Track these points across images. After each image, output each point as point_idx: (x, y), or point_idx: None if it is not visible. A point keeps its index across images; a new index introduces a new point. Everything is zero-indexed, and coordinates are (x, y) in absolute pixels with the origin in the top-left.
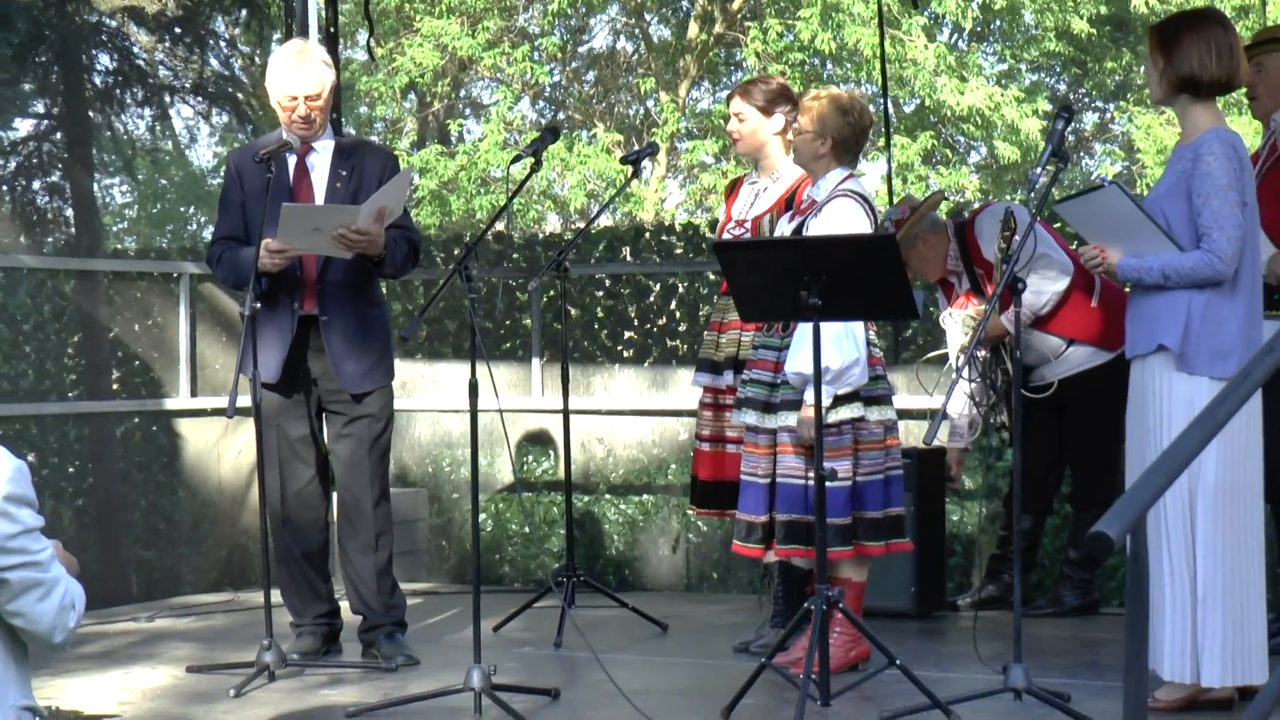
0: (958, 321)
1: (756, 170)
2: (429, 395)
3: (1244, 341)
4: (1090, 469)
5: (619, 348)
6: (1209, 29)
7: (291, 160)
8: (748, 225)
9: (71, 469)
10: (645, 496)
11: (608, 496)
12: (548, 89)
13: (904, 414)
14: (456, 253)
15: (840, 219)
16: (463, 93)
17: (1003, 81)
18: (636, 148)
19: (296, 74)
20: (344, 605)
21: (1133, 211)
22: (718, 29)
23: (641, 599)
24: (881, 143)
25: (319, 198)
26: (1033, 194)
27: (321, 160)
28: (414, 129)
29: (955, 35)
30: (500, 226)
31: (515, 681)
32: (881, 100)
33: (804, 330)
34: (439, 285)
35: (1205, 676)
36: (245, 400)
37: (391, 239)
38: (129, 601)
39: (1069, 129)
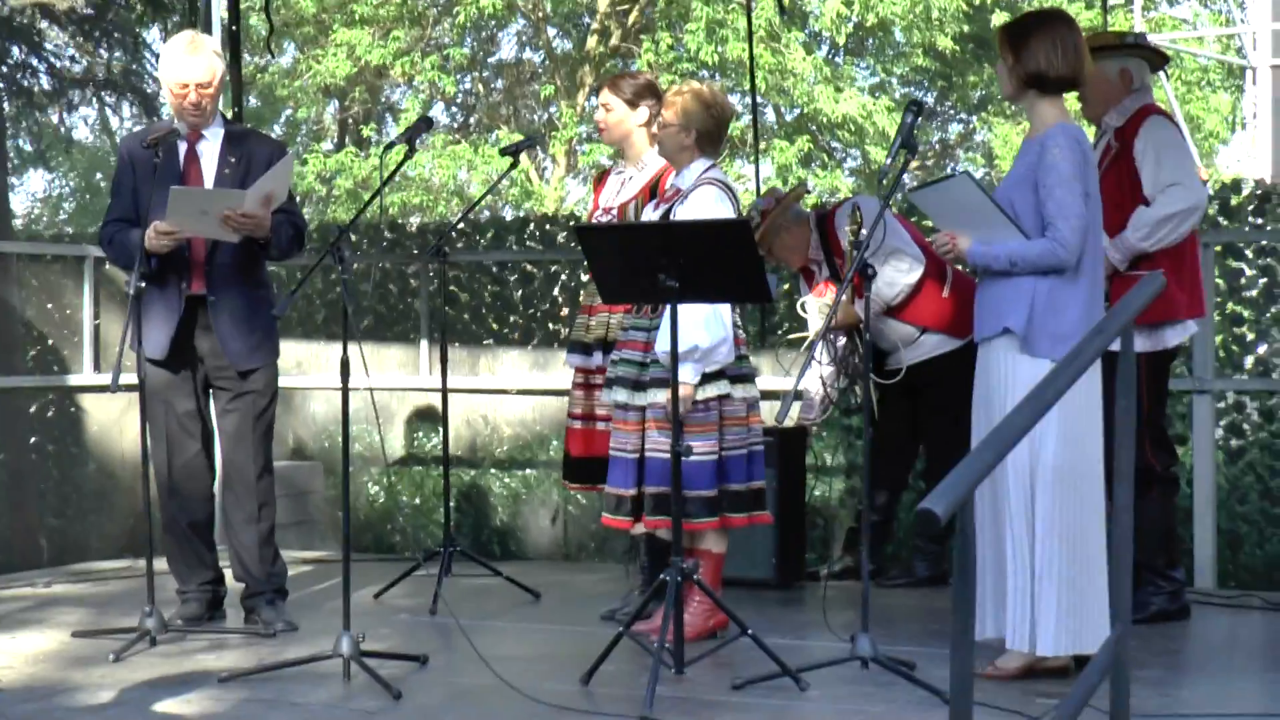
0: (815, 307)
1: (623, 160)
2: (325, 374)
3: (1085, 326)
4: (941, 448)
5: (505, 330)
6: (1056, 28)
7: (183, 147)
8: (614, 212)
9: None
10: (528, 471)
11: (492, 471)
12: (460, 96)
13: (768, 395)
14: (364, 243)
15: (706, 205)
16: (384, 97)
17: (875, 93)
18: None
19: (188, 62)
20: (228, 573)
21: (982, 200)
22: (614, 41)
23: (521, 568)
24: (761, 147)
25: (208, 183)
26: (883, 183)
27: (211, 147)
28: (335, 132)
29: (832, 51)
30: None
31: (387, 647)
32: (752, 106)
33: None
34: (313, 266)
35: (1040, 646)
36: (132, 377)
37: (277, 223)
38: (40, 566)
39: (917, 123)
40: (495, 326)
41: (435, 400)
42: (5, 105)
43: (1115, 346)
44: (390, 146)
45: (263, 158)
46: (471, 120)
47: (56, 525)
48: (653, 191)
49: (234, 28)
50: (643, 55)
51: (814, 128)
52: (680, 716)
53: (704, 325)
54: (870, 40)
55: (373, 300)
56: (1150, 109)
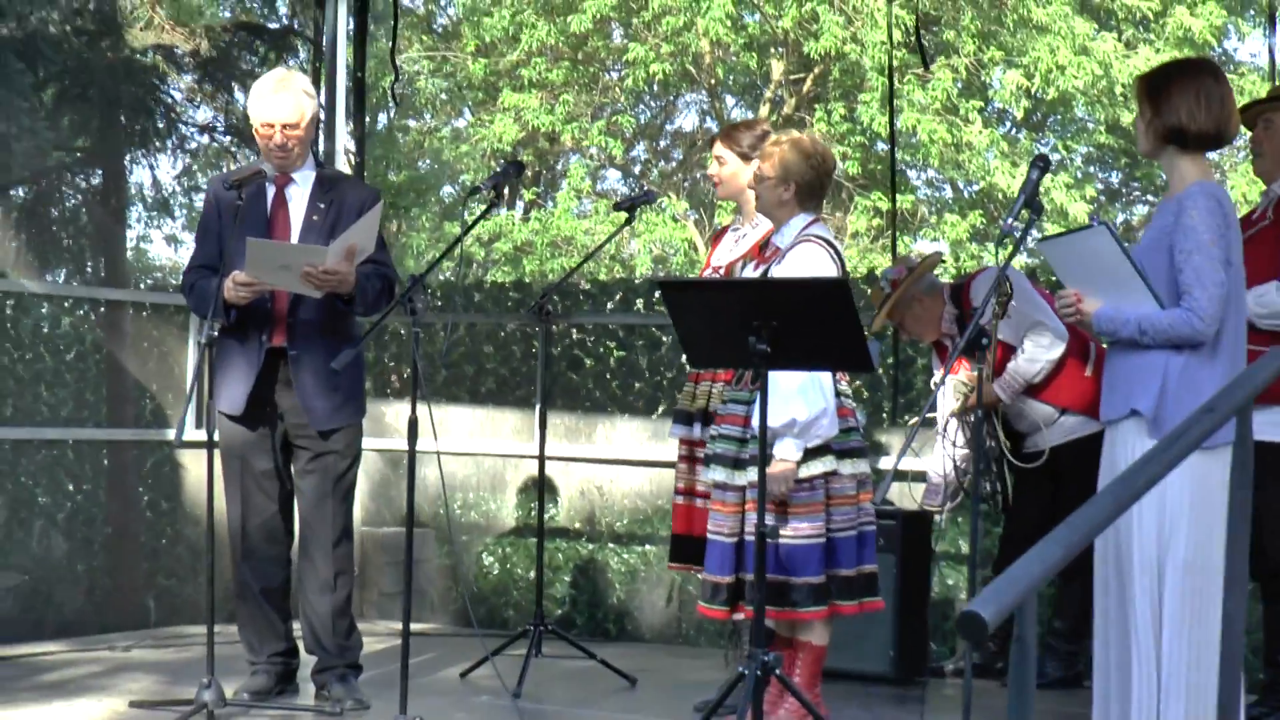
0: (948, 385)
1: (739, 216)
2: (441, 438)
3: None
4: None
5: (630, 398)
6: (1200, 79)
7: (271, 190)
8: (723, 270)
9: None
10: (646, 547)
11: (610, 545)
12: (637, 166)
13: (900, 475)
14: (488, 303)
15: (805, 265)
16: (560, 164)
17: (1055, 169)
18: (634, 194)
19: (274, 101)
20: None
21: (1118, 257)
22: (786, 110)
23: (628, 650)
24: (933, 221)
25: (295, 229)
26: (1004, 242)
27: (300, 192)
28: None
29: (1012, 126)
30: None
31: None
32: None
33: (770, 381)
34: (381, 316)
35: None
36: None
37: (363, 276)
38: (148, 627)
39: (1043, 178)
40: (619, 393)
41: (549, 468)
42: (126, 156)
43: (1269, 436)
44: (474, 192)
45: (353, 204)
46: (644, 186)
47: (167, 585)
48: (763, 249)
49: (359, 74)
50: (815, 124)
51: (990, 204)
52: None
53: (800, 395)
54: (1052, 116)
55: (495, 362)
56: None
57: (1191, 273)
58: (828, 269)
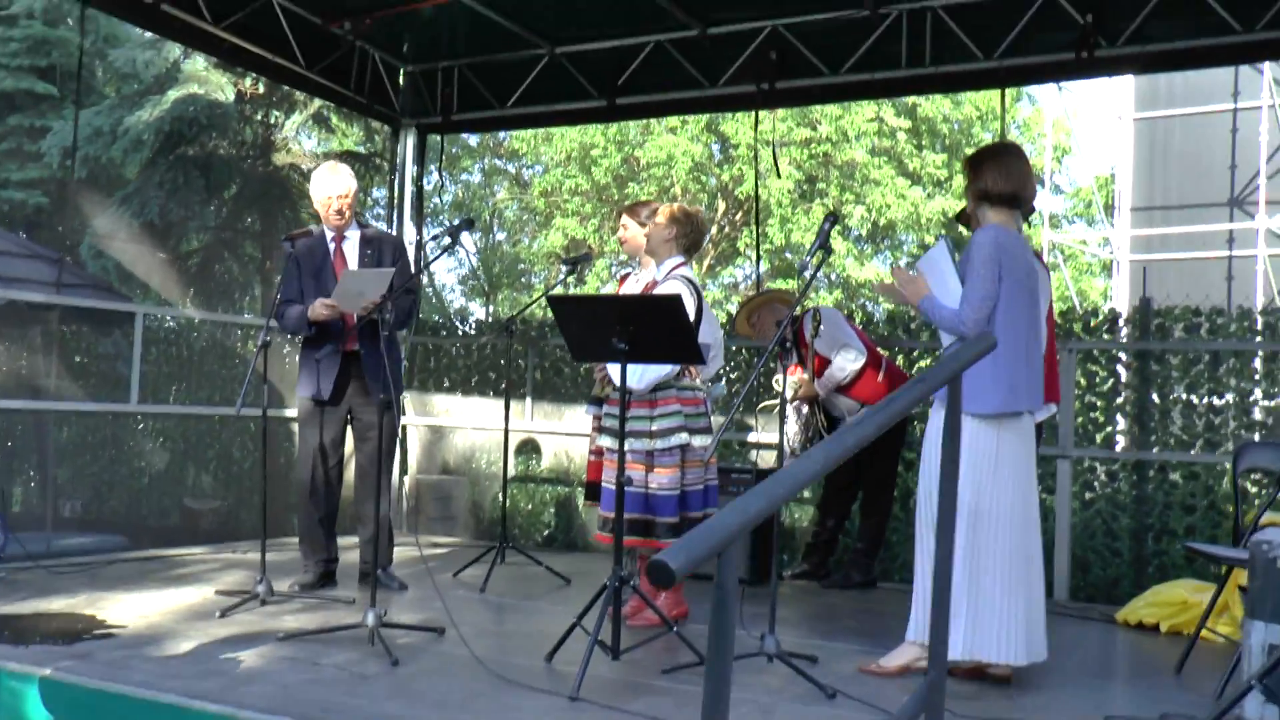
0: (786, 384)
1: (637, 265)
2: (465, 416)
3: (995, 384)
4: (873, 488)
5: (583, 389)
6: (1005, 157)
7: (332, 245)
8: None
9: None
10: None
11: (578, 488)
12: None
13: (759, 445)
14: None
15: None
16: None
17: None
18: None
19: (333, 180)
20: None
21: (948, 263)
22: (727, 230)
23: (582, 559)
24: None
25: (351, 265)
26: (803, 275)
27: (351, 245)
28: (558, 276)
29: (859, 240)
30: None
31: (423, 619)
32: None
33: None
34: (363, 319)
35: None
36: (291, 411)
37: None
38: (290, 534)
39: (833, 229)
40: (572, 389)
41: (533, 437)
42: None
43: (1041, 415)
44: (435, 237)
45: (389, 251)
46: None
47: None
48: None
49: (418, 184)
50: (742, 238)
51: (847, 285)
52: (608, 697)
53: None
54: (885, 238)
55: (498, 368)
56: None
57: (966, 288)
58: (688, 298)
